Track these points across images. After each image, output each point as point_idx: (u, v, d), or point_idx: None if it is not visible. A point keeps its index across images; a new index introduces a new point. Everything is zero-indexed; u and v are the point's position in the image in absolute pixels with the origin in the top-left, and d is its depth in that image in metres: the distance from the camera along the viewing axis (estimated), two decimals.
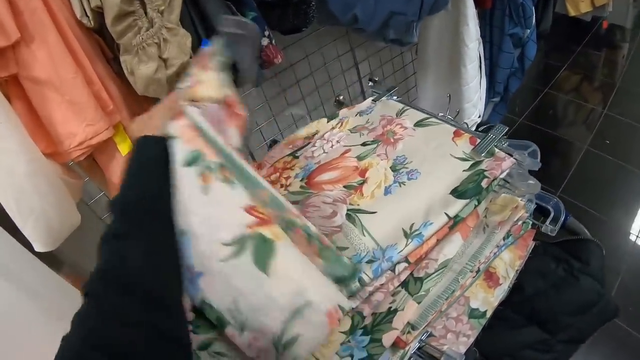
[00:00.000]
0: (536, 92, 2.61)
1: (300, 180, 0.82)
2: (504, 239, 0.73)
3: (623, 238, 1.84)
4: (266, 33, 1.11)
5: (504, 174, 0.67)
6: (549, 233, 0.79)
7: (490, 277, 0.77)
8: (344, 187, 0.76)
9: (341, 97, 1.83)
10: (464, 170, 0.68)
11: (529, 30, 1.67)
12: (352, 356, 0.61)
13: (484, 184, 0.64)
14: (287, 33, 1.29)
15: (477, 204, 0.65)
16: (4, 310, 0.96)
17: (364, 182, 0.75)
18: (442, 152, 0.73)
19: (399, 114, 0.85)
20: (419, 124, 0.80)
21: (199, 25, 0.99)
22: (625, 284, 1.65)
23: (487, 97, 1.86)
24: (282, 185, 0.84)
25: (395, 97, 0.94)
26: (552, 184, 1.99)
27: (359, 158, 0.80)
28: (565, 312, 0.84)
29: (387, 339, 0.61)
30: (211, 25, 0.99)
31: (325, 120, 0.98)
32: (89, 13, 0.81)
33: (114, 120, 0.92)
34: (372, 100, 0.95)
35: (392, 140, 0.80)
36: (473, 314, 0.75)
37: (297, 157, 0.90)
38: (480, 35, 1.74)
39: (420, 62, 1.70)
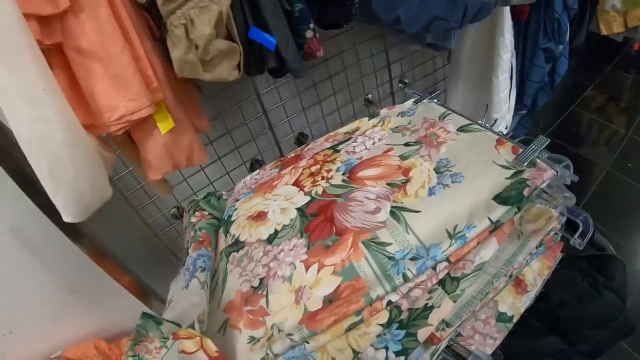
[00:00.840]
0: (561, 108, 2.61)
1: (342, 174, 0.83)
2: (536, 247, 0.75)
3: None
4: (311, 26, 1.11)
5: (545, 184, 0.68)
6: (577, 246, 0.79)
7: (519, 284, 0.78)
8: (387, 184, 0.77)
9: (370, 96, 1.85)
10: (506, 178, 0.69)
11: (561, 46, 1.68)
12: (387, 348, 0.61)
13: (525, 192, 0.66)
14: (326, 28, 1.31)
15: (517, 211, 0.66)
16: (17, 276, 1.00)
17: (407, 181, 0.76)
18: (485, 158, 0.74)
19: (442, 117, 0.87)
20: (462, 129, 0.81)
21: (249, 13, 1.01)
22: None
23: (515, 109, 1.87)
24: (323, 177, 0.84)
25: (436, 101, 0.96)
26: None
27: (402, 157, 0.81)
28: (587, 325, 0.86)
29: (422, 334, 0.62)
30: (261, 15, 1.01)
31: (367, 118, 0.99)
32: None
33: (157, 97, 0.92)
34: (414, 101, 0.96)
35: (435, 142, 0.82)
36: (501, 317, 0.76)
37: (339, 151, 0.90)
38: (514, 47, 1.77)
39: (453, 69, 1.72)
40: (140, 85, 0.87)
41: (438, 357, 0.68)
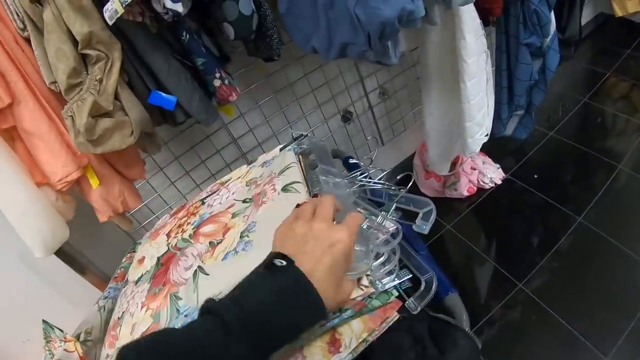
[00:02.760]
0: (574, 101, 2.26)
1: (193, 228, 0.88)
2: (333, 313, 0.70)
3: None
4: (217, 75, 1.15)
5: None
6: (411, 310, 0.73)
7: (334, 343, 0.72)
8: (209, 242, 0.80)
9: (349, 110, 1.80)
10: None
11: (548, 39, 1.50)
12: None
13: None
14: (267, 61, 1.33)
15: None
16: (29, 293, 1.41)
17: (220, 242, 0.78)
18: (275, 227, 0.70)
19: (281, 172, 0.84)
20: (285, 188, 0.79)
21: (147, 78, 1.09)
22: None
23: (508, 110, 1.71)
24: (182, 230, 0.90)
25: (304, 147, 0.91)
26: (577, 208, 1.77)
27: (233, 215, 0.82)
28: None
29: None
30: (157, 78, 1.09)
31: (245, 166, 0.99)
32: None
33: (83, 163, 1.12)
34: (280, 149, 0.93)
35: (260, 202, 0.80)
36: None
37: (204, 204, 0.95)
38: (497, 46, 1.62)
39: (423, 79, 1.61)
40: (67, 154, 1.07)
41: None
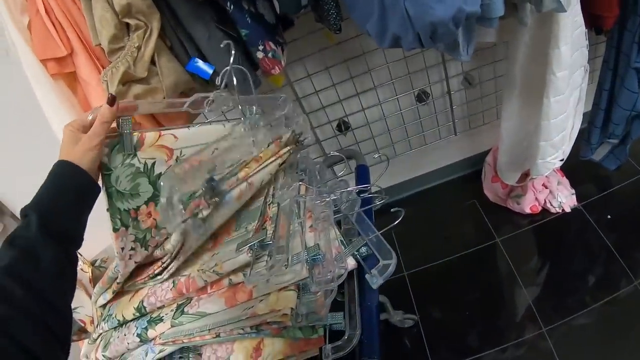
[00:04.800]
0: None
1: None
2: (252, 328, 0.78)
3: None
4: (260, 47, 1.15)
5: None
6: (324, 357, 0.75)
7: (257, 351, 0.79)
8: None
9: (426, 90, 1.70)
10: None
11: None
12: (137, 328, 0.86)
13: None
14: (331, 31, 1.28)
15: None
16: None
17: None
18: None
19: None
20: None
21: (189, 45, 1.12)
22: None
23: (600, 136, 1.48)
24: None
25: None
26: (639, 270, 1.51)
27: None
28: None
29: (150, 334, 0.84)
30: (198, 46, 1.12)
31: None
32: None
33: None
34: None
35: None
36: None
37: None
38: (604, 60, 1.38)
39: (507, 78, 1.43)
40: None
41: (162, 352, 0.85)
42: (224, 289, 0.81)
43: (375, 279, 0.77)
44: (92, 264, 1.12)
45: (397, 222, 0.81)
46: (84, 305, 1.04)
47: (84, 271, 1.09)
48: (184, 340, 0.82)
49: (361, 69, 1.59)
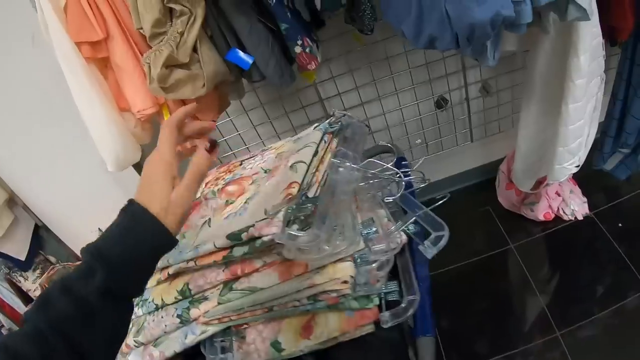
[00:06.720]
0: None
1: (223, 184, 0.98)
2: (309, 299, 0.76)
3: None
4: (299, 42, 1.19)
5: (266, 237, 0.70)
6: (382, 323, 0.75)
7: (307, 329, 0.79)
8: (225, 201, 0.91)
9: (445, 97, 1.74)
10: (256, 221, 0.73)
11: None
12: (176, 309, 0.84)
13: (243, 237, 0.72)
14: (361, 32, 1.33)
15: (246, 252, 0.74)
16: None
17: (232, 203, 0.88)
18: (268, 200, 0.76)
19: (301, 149, 0.87)
20: (292, 165, 0.81)
21: (229, 36, 1.17)
22: None
23: (613, 145, 1.53)
24: (216, 184, 1.01)
25: (336, 126, 0.93)
26: None
27: (252, 182, 0.91)
28: None
29: (194, 313, 0.82)
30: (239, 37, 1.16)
31: (288, 139, 1.06)
32: None
33: (160, 100, 1.27)
34: (314, 127, 0.97)
35: (271, 175, 0.87)
36: (275, 344, 0.80)
37: (241, 165, 1.04)
38: (618, 71, 1.43)
39: (526, 86, 1.49)
40: (147, 91, 1.21)
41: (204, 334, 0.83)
42: (277, 264, 0.78)
43: (430, 250, 0.77)
44: None
45: (441, 202, 0.86)
46: None
47: None
48: (232, 318, 0.81)
49: (384, 72, 1.65)
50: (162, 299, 0.85)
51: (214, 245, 0.76)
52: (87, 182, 1.66)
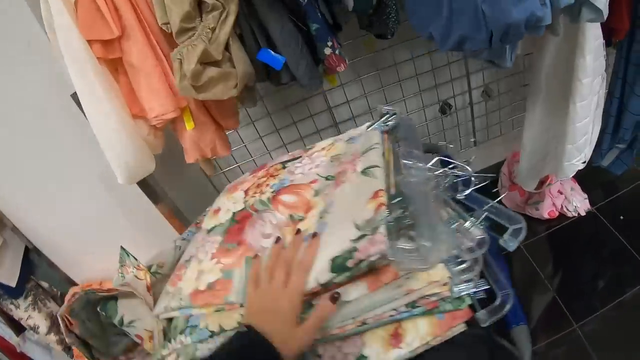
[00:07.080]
0: None
1: (271, 192, 0.89)
2: (407, 306, 0.71)
3: None
4: (329, 44, 1.18)
5: (373, 257, 0.66)
6: (480, 322, 0.72)
7: (396, 337, 0.73)
8: (290, 215, 0.82)
9: (449, 102, 1.79)
10: (351, 240, 0.68)
11: None
12: None
13: (349, 264, 0.67)
14: (378, 37, 1.36)
15: (348, 276, 0.68)
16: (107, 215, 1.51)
17: (302, 219, 0.80)
18: (353, 212, 0.72)
19: (365, 151, 0.82)
20: (364, 171, 0.77)
21: (259, 35, 1.14)
22: None
23: (611, 141, 1.62)
24: (260, 191, 0.92)
25: (389, 123, 0.92)
26: None
27: (315, 192, 0.83)
28: None
29: None
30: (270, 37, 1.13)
31: (330, 139, 1.01)
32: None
33: (181, 104, 1.17)
34: (367, 126, 0.95)
35: (339, 181, 0.81)
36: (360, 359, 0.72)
37: (285, 168, 0.96)
38: (614, 70, 1.53)
39: (531, 88, 1.56)
40: (167, 94, 1.12)
41: None
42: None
43: (511, 243, 0.75)
44: (148, 269, 1.00)
45: (484, 183, 0.86)
46: (141, 318, 0.94)
47: (139, 278, 0.97)
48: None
49: (391, 79, 1.68)
50: (219, 326, 0.75)
51: (318, 283, 0.69)
52: (80, 200, 1.50)
